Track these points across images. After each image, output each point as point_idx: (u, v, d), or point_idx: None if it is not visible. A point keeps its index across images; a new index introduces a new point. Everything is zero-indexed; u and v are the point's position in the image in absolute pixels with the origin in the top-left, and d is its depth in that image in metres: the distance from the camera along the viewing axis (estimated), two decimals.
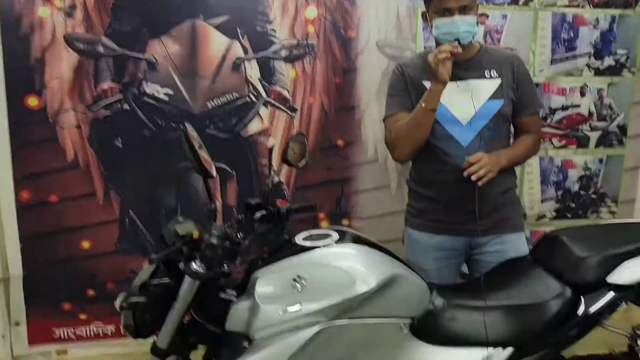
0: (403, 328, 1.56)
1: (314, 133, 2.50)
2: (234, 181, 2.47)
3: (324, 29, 2.43)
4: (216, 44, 2.37)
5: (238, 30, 2.37)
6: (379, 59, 2.49)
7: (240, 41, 2.38)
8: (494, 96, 1.89)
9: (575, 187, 2.76)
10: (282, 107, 2.46)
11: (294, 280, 1.50)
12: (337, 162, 2.54)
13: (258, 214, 1.63)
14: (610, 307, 1.63)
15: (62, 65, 2.28)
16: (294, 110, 2.47)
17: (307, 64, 2.45)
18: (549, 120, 2.65)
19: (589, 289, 1.64)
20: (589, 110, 2.70)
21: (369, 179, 2.58)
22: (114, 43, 2.30)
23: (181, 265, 1.48)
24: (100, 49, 2.30)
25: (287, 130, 2.47)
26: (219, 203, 2.46)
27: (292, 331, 1.48)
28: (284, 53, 2.42)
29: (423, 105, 1.81)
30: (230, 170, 2.46)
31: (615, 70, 2.67)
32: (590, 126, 2.71)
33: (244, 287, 1.56)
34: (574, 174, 2.75)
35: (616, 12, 2.61)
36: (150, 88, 2.36)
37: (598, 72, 2.66)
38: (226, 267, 1.51)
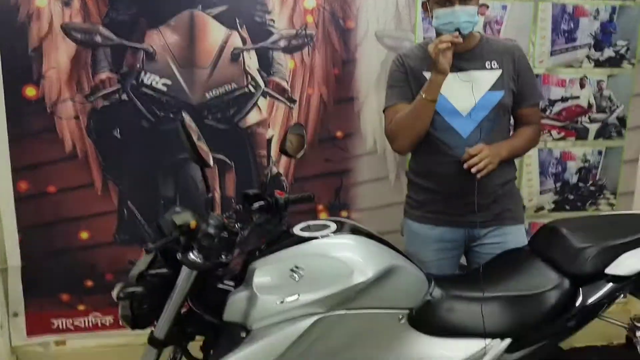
0: (401, 319, 1.56)
1: (313, 124, 2.49)
2: (232, 172, 2.46)
3: (323, 19, 2.42)
4: (214, 34, 2.35)
5: (236, 20, 2.36)
6: (378, 49, 2.48)
7: (238, 31, 2.36)
8: (494, 87, 1.88)
9: (574, 179, 2.75)
10: (281, 97, 2.45)
11: (292, 270, 1.50)
12: (335, 154, 2.53)
13: (256, 205, 1.63)
14: (609, 298, 1.63)
15: (59, 55, 2.27)
16: (292, 101, 2.46)
17: (306, 55, 2.43)
18: (548, 112, 2.64)
19: (588, 280, 1.63)
20: (589, 102, 2.69)
21: (368, 170, 2.57)
22: (111, 33, 2.29)
23: (179, 255, 1.48)
24: (98, 38, 2.29)
25: (285, 122, 2.46)
26: (217, 194, 2.46)
27: (289, 322, 1.48)
28: (282, 43, 2.41)
29: (423, 96, 1.80)
30: (228, 161, 2.45)
31: (615, 61, 2.65)
32: (589, 118, 2.70)
33: (242, 278, 1.56)
34: (572, 166, 2.74)
35: (616, 2, 2.60)
36: (149, 78, 2.35)
37: (598, 63, 2.65)
38: (224, 258, 1.51)
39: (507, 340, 1.59)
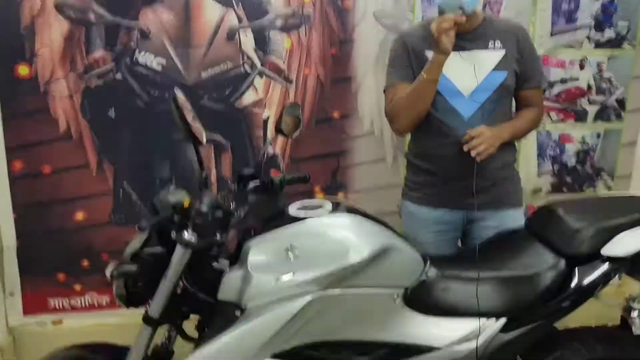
0: (396, 298, 1.55)
1: (310, 105, 2.47)
2: (228, 153, 2.45)
3: None
4: (210, 12, 2.32)
5: None
6: (376, 29, 2.45)
7: (234, 9, 2.33)
8: (497, 67, 1.85)
9: (572, 162, 2.75)
10: (277, 77, 2.43)
11: (287, 249, 1.49)
12: (332, 135, 2.52)
13: (251, 185, 1.62)
14: (604, 278, 1.62)
15: (52, 33, 2.24)
16: (289, 81, 2.44)
17: (303, 34, 2.41)
18: (547, 94, 2.61)
19: (583, 260, 1.63)
20: (588, 83, 2.67)
21: (365, 151, 2.56)
22: (105, 11, 2.26)
23: (173, 234, 1.47)
24: (92, 16, 2.25)
25: (282, 102, 2.44)
26: (213, 175, 2.44)
27: (284, 300, 1.47)
28: (279, 22, 2.38)
29: (424, 76, 1.77)
30: (224, 141, 2.44)
31: (616, 42, 2.63)
32: (588, 100, 2.69)
33: (237, 257, 1.55)
34: (571, 148, 2.73)
35: None
36: (143, 57, 2.32)
37: (598, 44, 2.62)
38: (218, 237, 1.50)
39: (502, 320, 1.59)
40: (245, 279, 1.49)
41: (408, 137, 2.07)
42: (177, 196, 1.47)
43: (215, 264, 1.55)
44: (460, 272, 1.64)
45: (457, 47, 1.77)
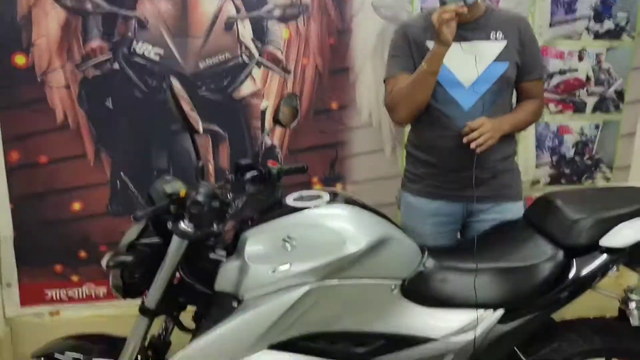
0: (393, 289, 1.55)
1: (308, 95, 2.46)
2: (226, 143, 2.44)
3: None
4: (208, 2, 2.31)
5: None
6: (374, 20, 2.44)
7: None
8: (498, 58, 1.83)
9: (571, 153, 2.74)
10: (275, 68, 2.41)
11: (284, 240, 1.49)
12: (330, 126, 2.51)
13: (249, 175, 1.61)
14: (602, 270, 1.61)
15: (49, 23, 2.22)
16: (287, 71, 2.43)
17: (301, 24, 2.39)
18: (546, 85, 2.61)
19: (582, 251, 1.62)
20: (587, 75, 2.66)
21: (363, 142, 2.55)
22: (102, 0, 2.24)
23: (169, 224, 1.47)
24: (89, 6, 2.24)
25: (280, 92, 2.43)
26: (211, 165, 2.44)
27: (281, 291, 1.47)
28: (277, 12, 2.37)
29: (425, 66, 1.75)
30: (222, 132, 2.43)
31: (615, 34, 2.62)
32: (587, 91, 2.68)
33: (234, 248, 1.55)
34: (569, 140, 2.73)
35: None
36: (141, 47, 2.31)
37: (597, 35, 2.61)
38: (215, 227, 1.50)
39: (500, 311, 1.58)
40: (242, 270, 1.48)
41: (407, 128, 2.06)
42: (174, 186, 1.46)
43: (212, 255, 1.55)
44: (458, 263, 1.63)
45: (458, 38, 1.74)
